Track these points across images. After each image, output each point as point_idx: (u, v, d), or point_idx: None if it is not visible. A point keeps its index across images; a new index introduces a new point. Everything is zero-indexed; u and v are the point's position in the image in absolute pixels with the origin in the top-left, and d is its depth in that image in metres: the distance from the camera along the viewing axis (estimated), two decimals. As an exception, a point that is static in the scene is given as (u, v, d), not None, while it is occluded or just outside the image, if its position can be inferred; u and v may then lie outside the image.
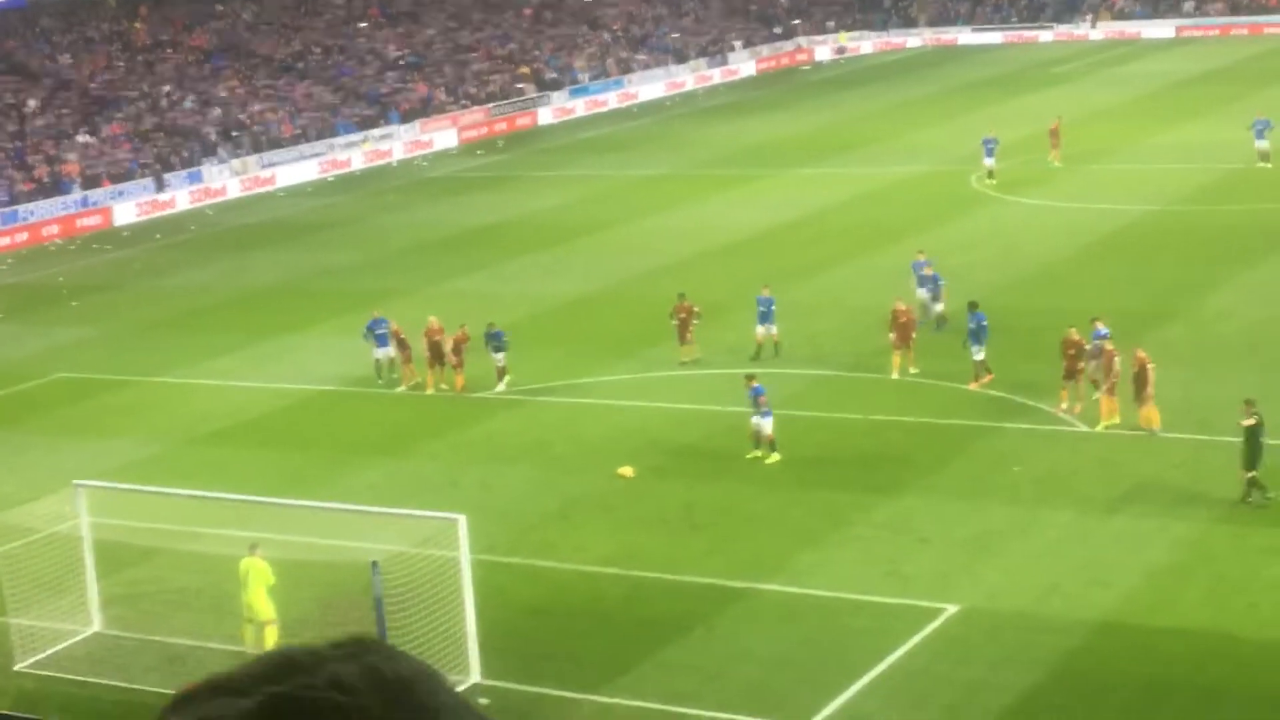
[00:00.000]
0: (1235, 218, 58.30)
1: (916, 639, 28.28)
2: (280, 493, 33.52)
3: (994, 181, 67.03)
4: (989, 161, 67.93)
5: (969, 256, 53.61)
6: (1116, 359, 37.59)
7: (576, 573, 32.22)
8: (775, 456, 37.24)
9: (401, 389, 45.21)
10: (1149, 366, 36.85)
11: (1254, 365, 41.31)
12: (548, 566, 32.65)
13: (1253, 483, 32.76)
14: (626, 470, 37.16)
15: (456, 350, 44.32)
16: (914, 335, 42.54)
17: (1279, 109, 72.20)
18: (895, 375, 42.29)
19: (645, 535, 33.76)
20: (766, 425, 37.36)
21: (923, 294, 47.18)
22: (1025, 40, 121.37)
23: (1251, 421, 32.74)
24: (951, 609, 29.23)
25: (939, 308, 46.44)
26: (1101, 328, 39.37)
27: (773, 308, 44.79)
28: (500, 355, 44.45)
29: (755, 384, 37.87)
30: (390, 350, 46.04)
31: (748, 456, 37.33)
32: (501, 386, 44.23)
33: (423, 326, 44.96)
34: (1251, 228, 56.40)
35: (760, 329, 44.87)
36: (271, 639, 29.24)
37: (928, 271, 47.44)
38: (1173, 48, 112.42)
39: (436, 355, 44.52)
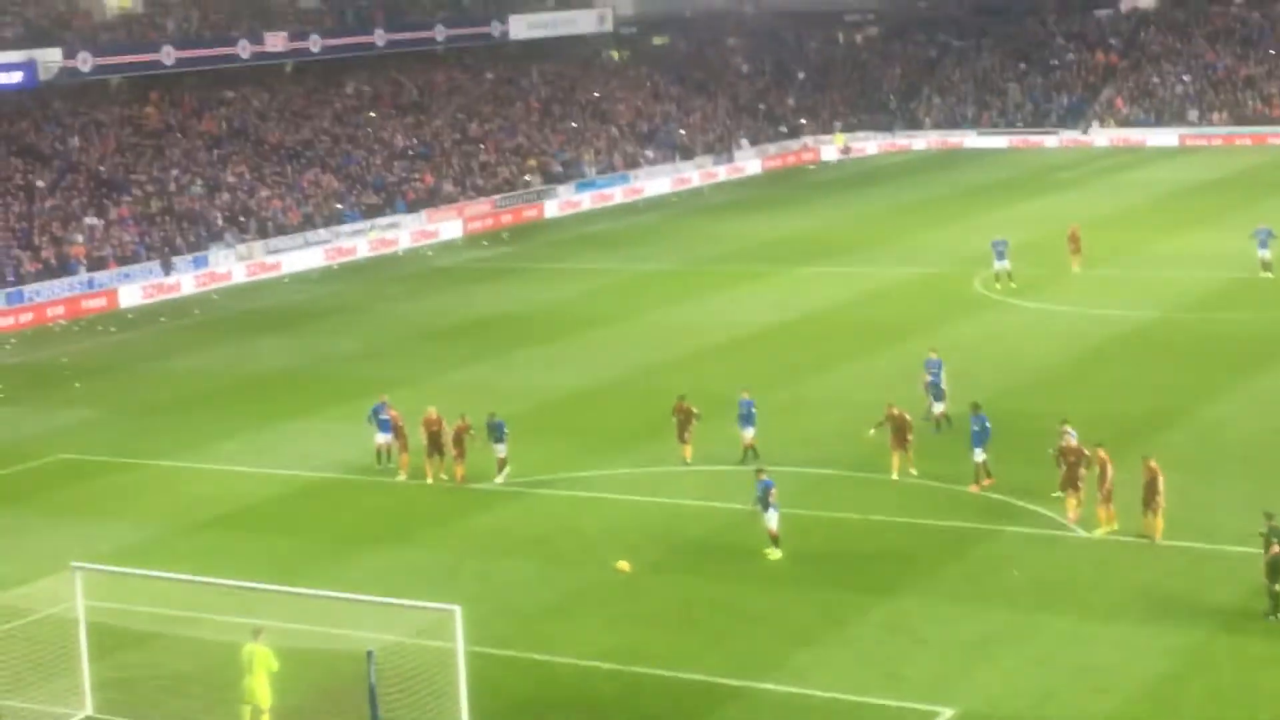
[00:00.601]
0: (1237, 326, 58.50)
1: (912, 742, 28.13)
2: (279, 579, 33.45)
3: (1014, 285, 66.70)
4: (1002, 264, 67.72)
5: (971, 358, 53.70)
6: (1110, 466, 37.58)
7: (573, 667, 32.11)
8: (777, 553, 37.20)
9: (401, 477, 45.18)
10: (1160, 476, 36.81)
11: (1254, 474, 41.32)
12: (544, 660, 32.53)
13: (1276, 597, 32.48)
14: (624, 565, 37.10)
15: (458, 440, 44.32)
16: (911, 437, 42.56)
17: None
18: (895, 476, 42.30)
19: (643, 631, 33.66)
20: (772, 520, 37.35)
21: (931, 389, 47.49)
22: (1030, 145, 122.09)
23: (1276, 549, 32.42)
24: (948, 713, 29.10)
25: (940, 408, 46.48)
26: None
27: (753, 410, 44.72)
28: (501, 446, 44.43)
29: (764, 477, 37.87)
30: (390, 437, 46.11)
31: (765, 551, 37.26)
32: (501, 478, 44.22)
33: (421, 416, 45.00)
34: (1253, 337, 56.56)
35: (744, 432, 44.70)
36: None
37: (928, 378, 47.48)
38: (1176, 156, 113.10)
39: (435, 445, 44.54)
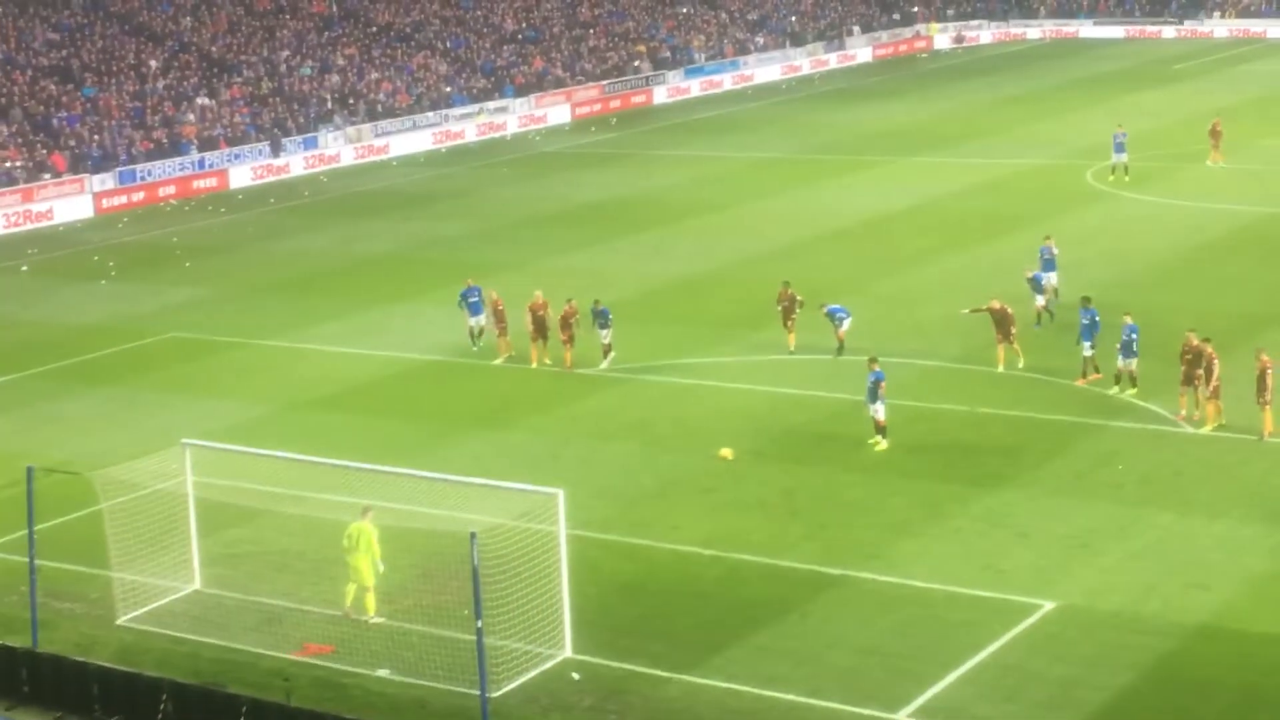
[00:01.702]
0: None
1: (1012, 634, 28.12)
2: (383, 460, 33.74)
3: (1128, 178, 65.76)
4: (1120, 157, 66.71)
5: (1082, 252, 53.09)
6: (1216, 361, 37.14)
7: (673, 552, 32.28)
8: (884, 444, 37.14)
9: (498, 361, 45.38)
10: (1269, 370, 36.39)
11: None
12: (644, 544, 32.72)
13: None
14: (726, 452, 37.15)
15: (565, 325, 44.42)
16: (1014, 330, 42.22)
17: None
18: (1000, 369, 42.03)
19: (743, 518, 33.76)
20: (879, 411, 37.23)
21: (1048, 278, 47.25)
22: (1148, 35, 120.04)
23: None
24: (1048, 605, 29.04)
25: (1040, 300, 45.98)
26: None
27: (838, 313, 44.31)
28: (606, 333, 44.52)
29: (876, 369, 37.67)
30: (482, 319, 46.31)
31: (870, 443, 37.20)
32: (605, 364, 44.33)
33: (528, 300, 45.12)
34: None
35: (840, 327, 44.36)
36: (371, 605, 29.52)
37: (1032, 272, 47.14)
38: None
39: (540, 329, 44.66)
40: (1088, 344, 40.89)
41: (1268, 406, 36.47)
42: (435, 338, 48.25)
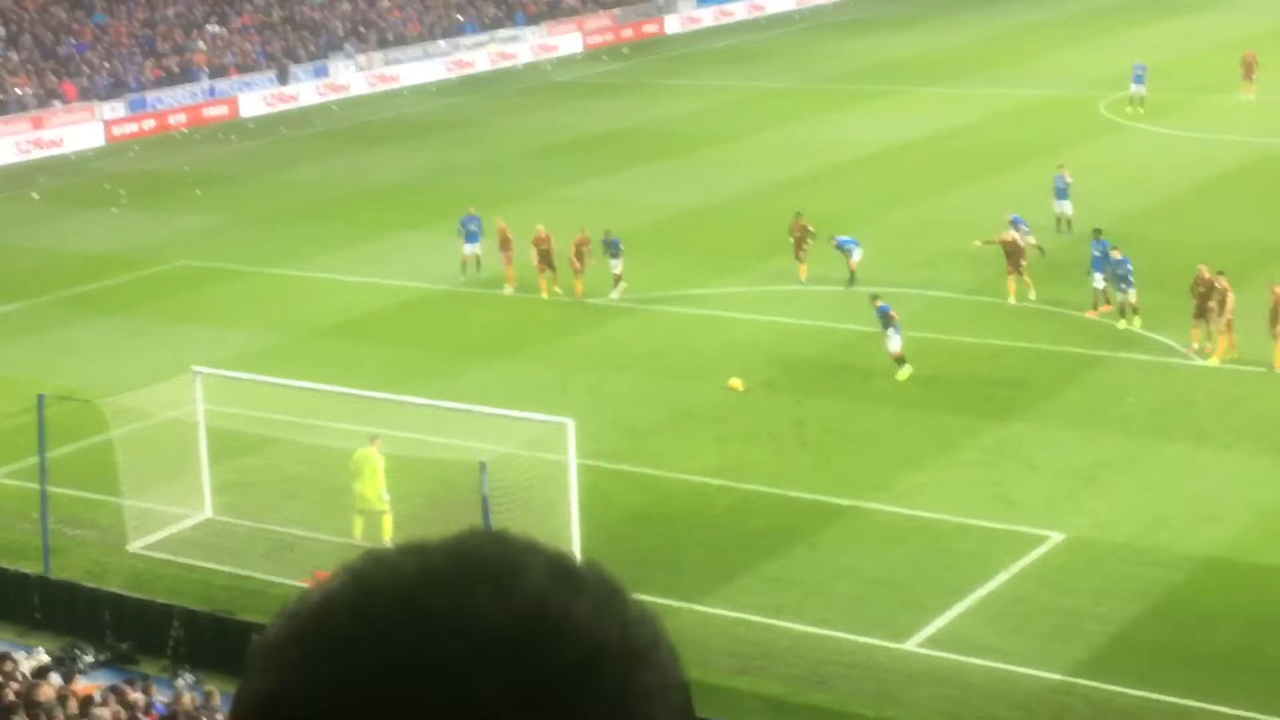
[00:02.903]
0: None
1: (1020, 565, 28.19)
2: (393, 389, 33.81)
3: (1143, 110, 65.25)
4: (1138, 88, 66.17)
5: (1094, 183, 52.78)
6: (1230, 294, 37.03)
7: (683, 482, 32.33)
8: (907, 370, 36.98)
9: (507, 290, 45.34)
10: (1283, 302, 36.36)
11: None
12: (654, 475, 32.77)
13: None
14: (736, 383, 37.15)
15: (578, 254, 44.33)
16: (1025, 262, 42.08)
17: None
18: (1012, 300, 41.96)
19: (753, 449, 33.80)
20: (894, 343, 37.12)
21: (1060, 208, 47.17)
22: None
23: None
24: (1057, 537, 29.09)
25: (1031, 240, 45.01)
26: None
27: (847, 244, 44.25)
28: (616, 263, 44.45)
29: (880, 303, 37.65)
30: (478, 248, 46.43)
31: (898, 377, 37.02)
32: (616, 294, 44.28)
33: (531, 235, 44.90)
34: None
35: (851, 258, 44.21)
36: (388, 529, 29.56)
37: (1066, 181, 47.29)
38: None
39: (546, 260, 44.59)
40: (1099, 275, 40.78)
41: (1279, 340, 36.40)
42: (445, 267, 48.17)
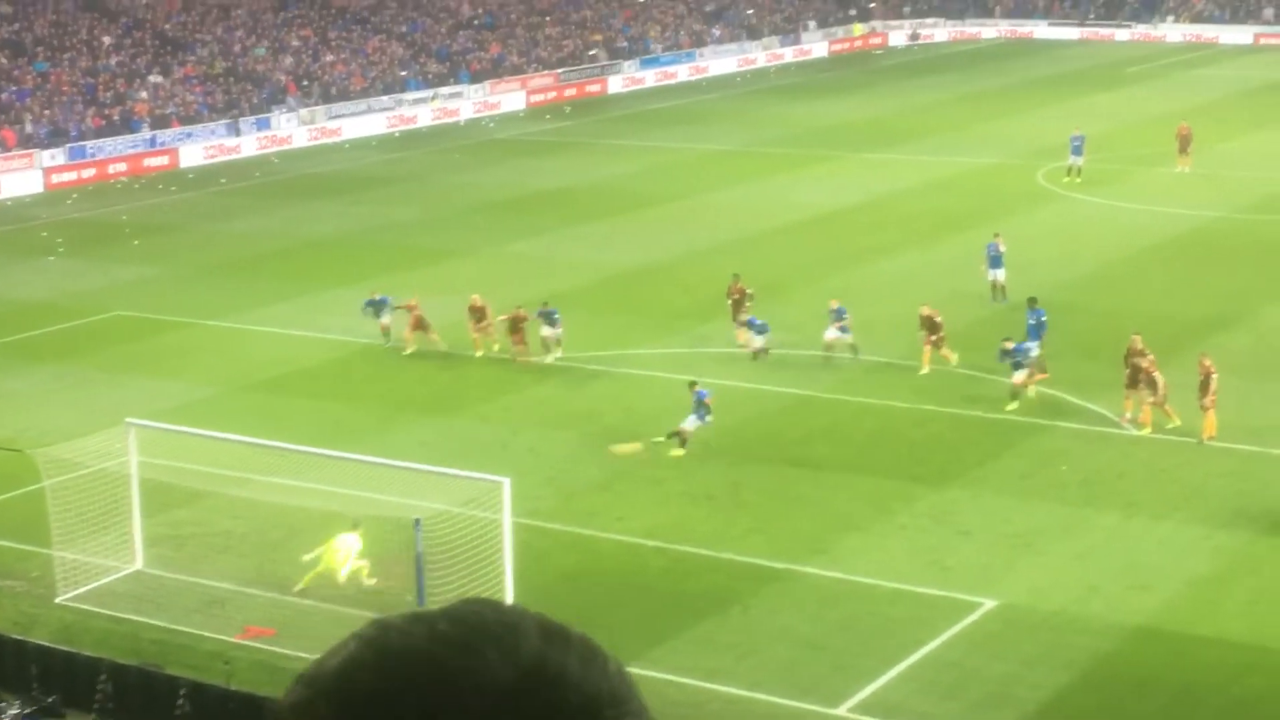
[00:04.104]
0: (1302, 230, 57.82)
1: (953, 631, 28.28)
2: (330, 444, 33.69)
3: (1079, 180, 65.65)
4: (1076, 159, 66.48)
5: (1031, 253, 53.23)
6: (1155, 372, 37.33)
7: (618, 543, 32.31)
8: (677, 452, 36.80)
9: (409, 350, 44.94)
10: (1213, 375, 36.66)
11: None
12: (590, 535, 32.74)
13: None
14: (624, 448, 36.68)
15: (516, 328, 43.85)
16: (943, 332, 42.06)
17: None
18: (925, 369, 41.84)
19: (689, 510, 33.82)
20: (689, 422, 36.90)
21: (994, 275, 47.73)
22: (1102, 38, 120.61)
23: None
24: (990, 604, 29.21)
25: (848, 339, 43.75)
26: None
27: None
28: (553, 330, 44.15)
29: (698, 389, 37.53)
30: (387, 319, 45.69)
31: (671, 453, 37.21)
32: (551, 358, 44.05)
33: (466, 303, 44.62)
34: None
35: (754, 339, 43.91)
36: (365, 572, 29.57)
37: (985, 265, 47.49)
38: (1250, 54, 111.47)
39: (479, 320, 44.32)
40: (1033, 343, 41.04)
41: (1209, 410, 36.73)
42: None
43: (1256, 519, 32.81)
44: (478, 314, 44.64)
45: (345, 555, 29.52)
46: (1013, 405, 39.37)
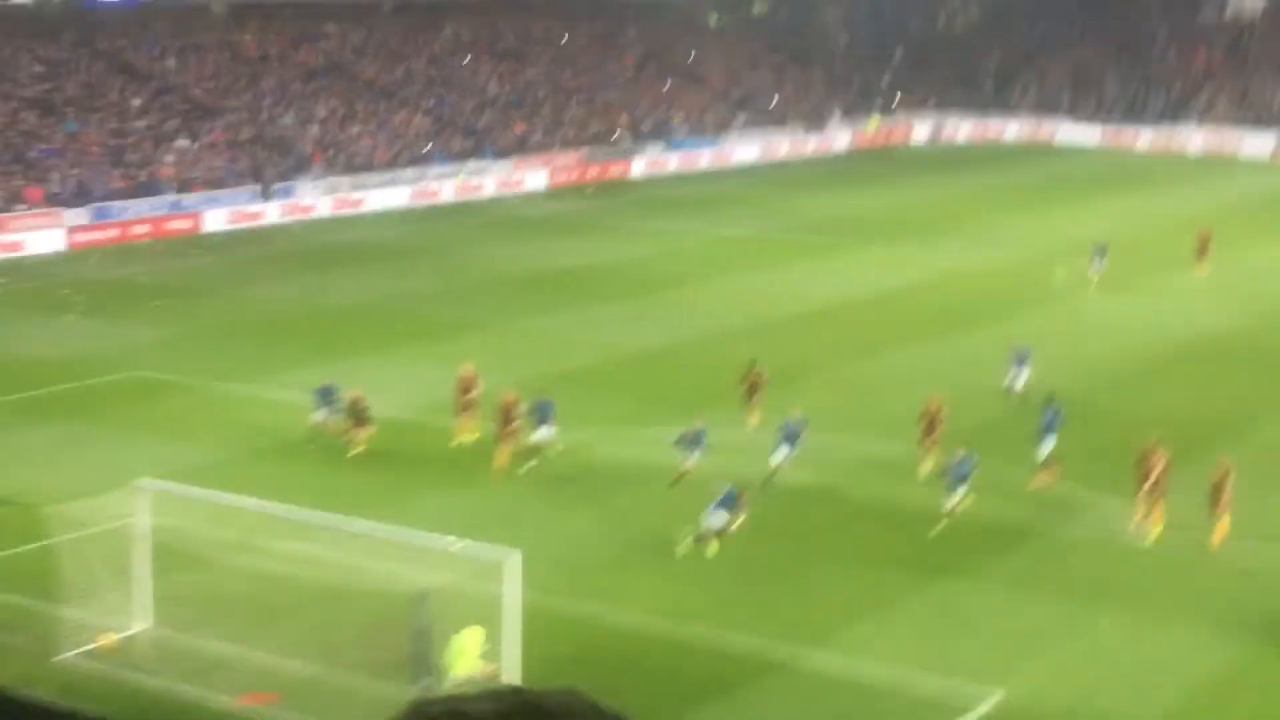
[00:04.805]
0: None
1: (955, 726, 28.17)
2: (344, 510, 33.71)
3: (1096, 280, 65.32)
4: (1100, 264, 65.92)
5: (1044, 350, 53.31)
6: (1158, 467, 37.30)
7: (621, 622, 32.24)
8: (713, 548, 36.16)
9: (359, 450, 42.70)
10: (1230, 476, 36.63)
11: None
12: (592, 614, 32.68)
13: None
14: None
15: (506, 419, 41.54)
16: (938, 431, 41.69)
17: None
18: (927, 467, 41.27)
19: (697, 593, 33.77)
20: (719, 520, 36.19)
21: (1017, 374, 47.83)
22: (1123, 141, 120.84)
23: None
24: (994, 700, 29.11)
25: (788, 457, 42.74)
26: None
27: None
28: (545, 429, 41.80)
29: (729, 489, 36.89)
30: (324, 415, 43.70)
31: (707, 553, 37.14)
32: (527, 465, 41.52)
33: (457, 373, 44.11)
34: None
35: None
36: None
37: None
38: (1272, 163, 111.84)
39: (465, 393, 43.22)
40: (1049, 440, 41.05)
41: (1220, 517, 36.67)
42: (399, 392, 48.22)
43: (1265, 629, 32.68)
44: (465, 386, 43.61)
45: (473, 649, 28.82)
46: (939, 527, 37.56)
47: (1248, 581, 35.11)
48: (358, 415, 43.15)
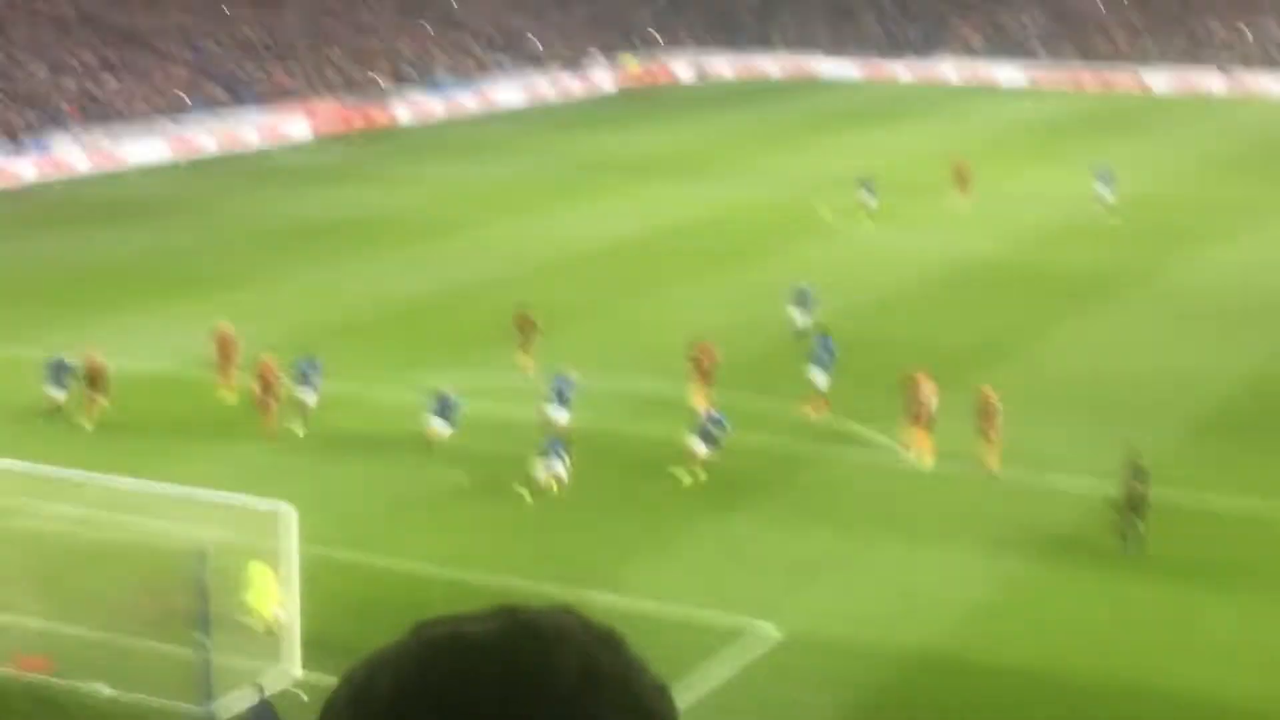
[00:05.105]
0: (1074, 265, 59.34)
1: (732, 659, 28.50)
2: (111, 473, 33.07)
3: (866, 216, 66.50)
4: (869, 198, 66.91)
5: (812, 283, 53.98)
6: (928, 394, 38.03)
7: (402, 571, 32.13)
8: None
9: (87, 426, 41.40)
10: (995, 405, 37.43)
11: (1082, 411, 42.13)
12: (373, 563, 32.52)
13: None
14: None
15: (266, 388, 40.43)
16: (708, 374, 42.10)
17: (1125, 159, 73.97)
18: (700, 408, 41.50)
19: (474, 538, 33.77)
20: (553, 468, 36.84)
21: (796, 313, 48.09)
22: (883, 74, 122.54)
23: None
24: (770, 632, 29.49)
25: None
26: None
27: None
28: (309, 390, 40.96)
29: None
30: (61, 394, 41.98)
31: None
32: (300, 430, 40.55)
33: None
34: (1089, 275, 57.43)
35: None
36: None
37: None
38: (1026, 93, 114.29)
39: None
40: (820, 372, 41.57)
41: (990, 441, 37.48)
42: (162, 349, 47.32)
43: (1038, 549, 33.50)
44: (223, 345, 42.86)
45: (267, 585, 28.71)
46: (682, 472, 37.17)
47: (1019, 503, 35.97)
48: (94, 379, 41.64)
